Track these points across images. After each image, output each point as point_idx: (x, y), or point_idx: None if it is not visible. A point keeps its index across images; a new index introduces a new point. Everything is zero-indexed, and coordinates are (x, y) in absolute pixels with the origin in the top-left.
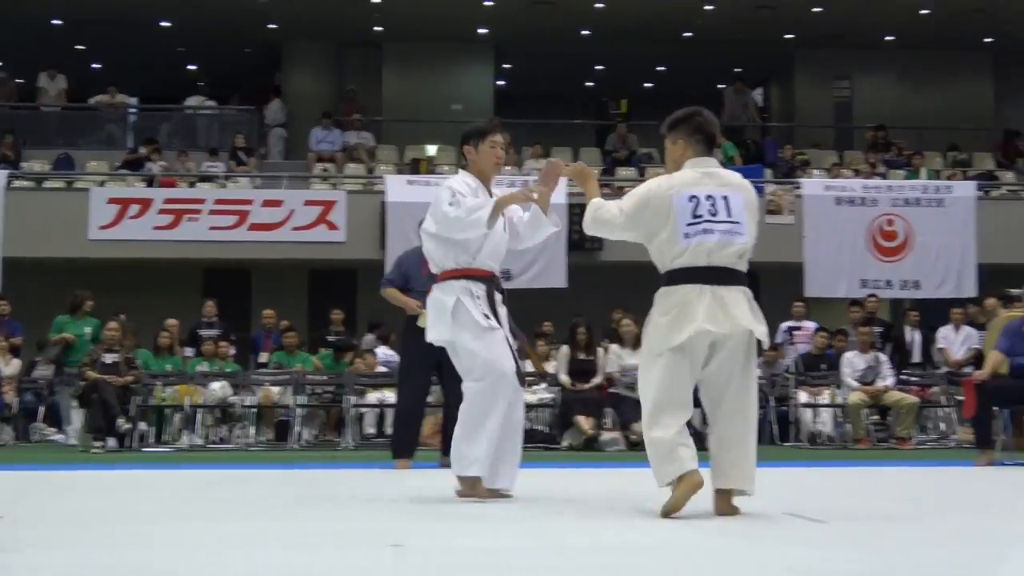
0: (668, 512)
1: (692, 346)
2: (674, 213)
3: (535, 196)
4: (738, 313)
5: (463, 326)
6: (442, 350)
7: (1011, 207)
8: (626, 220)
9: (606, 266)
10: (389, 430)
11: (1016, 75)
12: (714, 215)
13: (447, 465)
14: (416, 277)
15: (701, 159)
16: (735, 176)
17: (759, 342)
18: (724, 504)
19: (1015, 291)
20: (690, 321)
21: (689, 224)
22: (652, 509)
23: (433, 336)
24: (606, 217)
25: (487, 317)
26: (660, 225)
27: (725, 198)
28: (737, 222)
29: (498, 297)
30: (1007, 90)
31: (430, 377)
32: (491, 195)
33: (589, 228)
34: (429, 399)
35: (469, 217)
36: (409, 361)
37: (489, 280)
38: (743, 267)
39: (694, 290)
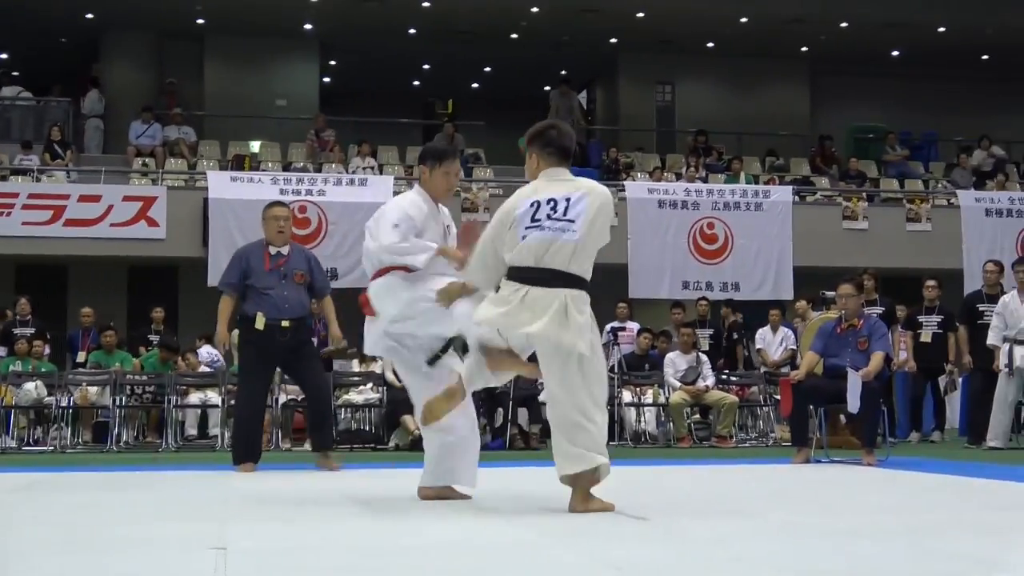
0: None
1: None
2: (517, 222)
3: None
4: (538, 320)
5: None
6: (286, 349)
7: (825, 211)
8: (486, 244)
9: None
10: (211, 431)
11: (830, 83)
12: (551, 216)
13: (324, 466)
14: (258, 272)
15: (553, 170)
16: (587, 182)
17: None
18: (578, 502)
19: (829, 293)
20: (492, 310)
21: (527, 227)
22: (476, 507)
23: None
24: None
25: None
26: (510, 236)
27: (567, 199)
28: (571, 220)
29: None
30: (822, 98)
31: (270, 379)
32: (438, 211)
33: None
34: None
35: (409, 256)
36: (247, 364)
37: None
38: (575, 269)
39: (512, 287)
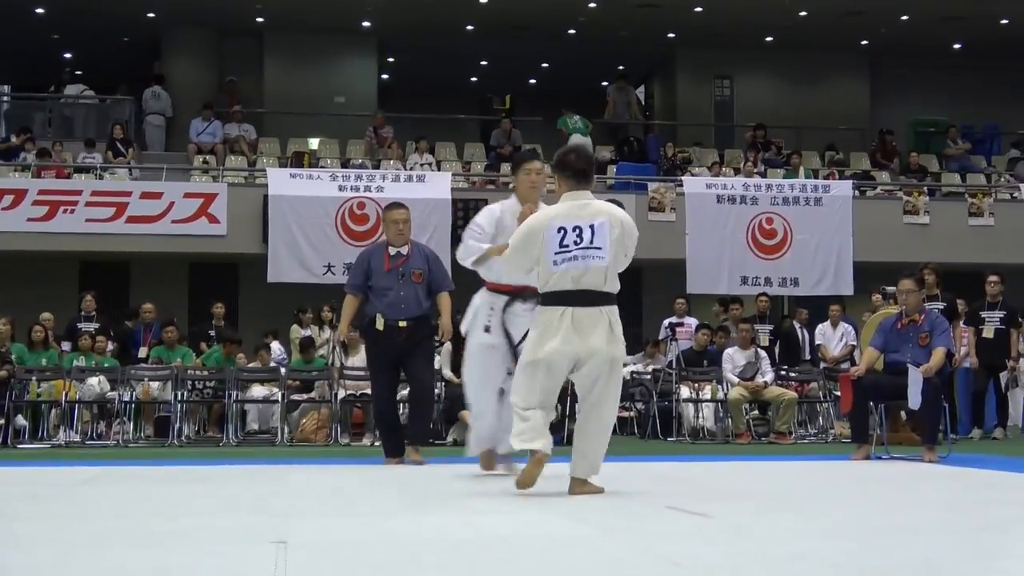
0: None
1: (550, 360)
2: (545, 243)
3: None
4: (593, 336)
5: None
6: (403, 348)
7: (885, 206)
8: (512, 252)
9: None
10: (272, 425)
11: (890, 77)
12: (578, 244)
13: (407, 459)
14: (379, 273)
15: (574, 192)
16: (605, 206)
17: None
18: (576, 487)
19: (890, 289)
20: (549, 340)
21: (557, 253)
22: (534, 502)
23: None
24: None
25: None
26: (538, 253)
27: (591, 227)
28: (598, 247)
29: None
30: (882, 91)
31: (398, 373)
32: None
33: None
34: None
35: (466, 261)
36: (373, 362)
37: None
38: (609, 287)
39: (556, 312)
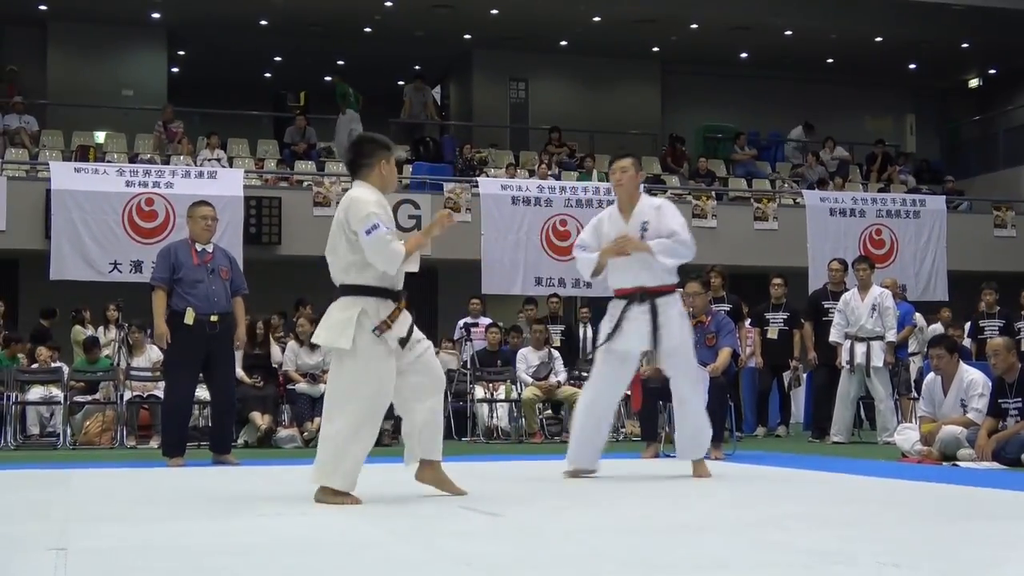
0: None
1: None
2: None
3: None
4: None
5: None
6: (211, 345)
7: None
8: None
9: (285, 260)
10: (53, 428)
11: (681, 84)
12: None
13: (222, 462)
14: (188, 266)
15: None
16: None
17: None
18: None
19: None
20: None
21: None
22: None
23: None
24: None
25: None
26: None
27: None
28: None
29: None
30: (672, 97)
31: (198, 372)
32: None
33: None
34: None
35: (584, 270)
36: (175, 358)
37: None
38: (348, 279)
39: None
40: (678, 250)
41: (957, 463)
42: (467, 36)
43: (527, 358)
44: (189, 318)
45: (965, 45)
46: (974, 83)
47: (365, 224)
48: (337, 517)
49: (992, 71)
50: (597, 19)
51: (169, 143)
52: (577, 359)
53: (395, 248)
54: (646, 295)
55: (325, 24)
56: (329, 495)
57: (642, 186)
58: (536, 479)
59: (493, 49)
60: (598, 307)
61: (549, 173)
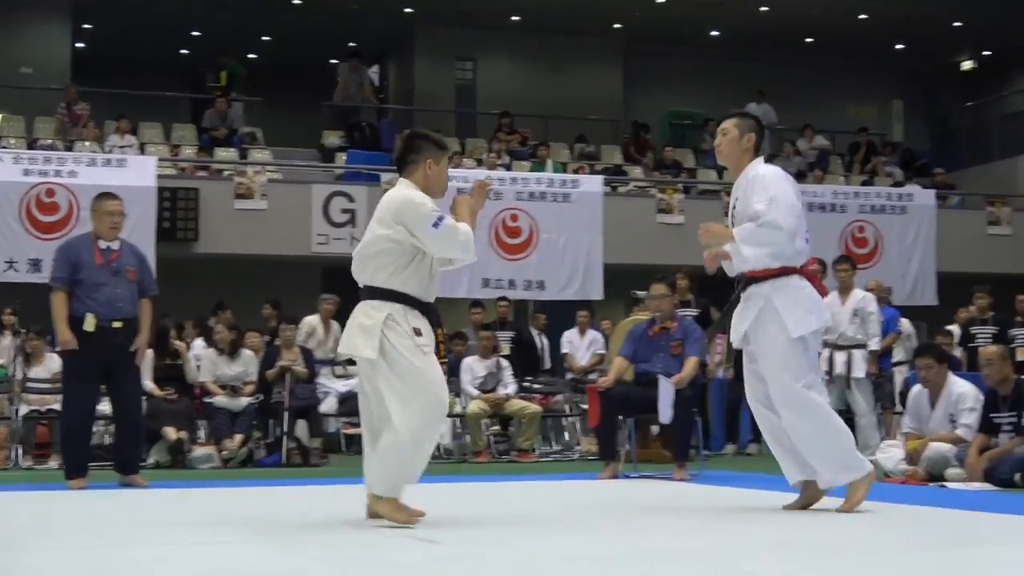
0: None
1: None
2: None
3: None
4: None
5: None
6: (113, 355)
7: (638, 204)
8: None
9: (203, 258)
10: None
11: (646, 65)
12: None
13: (128, 484)
14: (89, 267)
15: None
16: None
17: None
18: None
19: (641, 293)
20: None
21: None
22: (247, 531)
23: None
24: None
25: None
26: None
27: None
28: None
29: None
30: (636, 80)
31: (99, 385)
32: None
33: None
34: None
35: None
36: (73, 369)
37: None
38: (369, 280)
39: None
40: (761, 236)
41: (945, 484)
42: (408, 10)
43: (473, 368)
44: (89, 324)
45: (957, 24)
46: (967, 66)
47: (429, 220)
48: (252, 546)
49: (986, 53)
50: None
51: (73, 127)
52: (536, 371)
53: (467, 232)
54: (749, 281)
55: None
56: (395, 511)
57: (753, 153)
58: (480, 503)
59: (437, 24)
60: (555, 313)
61: (499, 163)
